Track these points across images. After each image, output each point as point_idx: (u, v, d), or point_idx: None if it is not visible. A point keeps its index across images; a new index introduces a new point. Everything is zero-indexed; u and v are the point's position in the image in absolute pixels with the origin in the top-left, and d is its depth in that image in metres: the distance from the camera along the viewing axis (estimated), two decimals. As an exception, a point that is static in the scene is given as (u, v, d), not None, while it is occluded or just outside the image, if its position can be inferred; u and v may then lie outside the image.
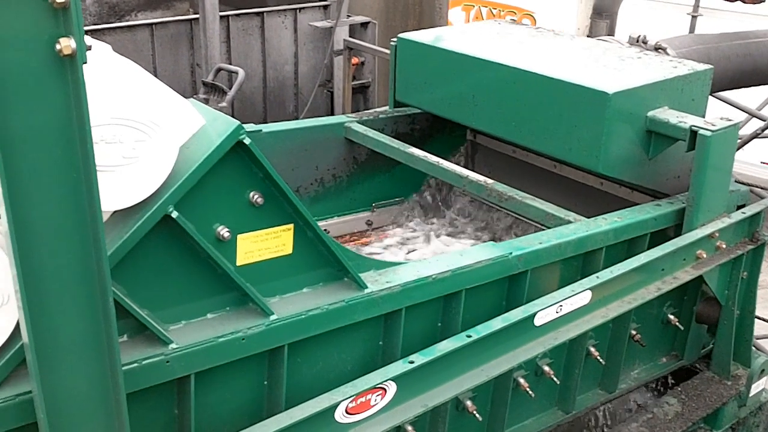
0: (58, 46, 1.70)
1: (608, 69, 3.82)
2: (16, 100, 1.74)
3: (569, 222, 3.48)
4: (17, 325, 2.09)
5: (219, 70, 7.20)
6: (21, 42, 1.69)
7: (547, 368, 3.41)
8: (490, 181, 3.89)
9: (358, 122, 4.65)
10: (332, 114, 8.27)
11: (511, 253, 3.11)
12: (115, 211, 2.24)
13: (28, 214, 1.82)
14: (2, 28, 1.66)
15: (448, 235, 4.71)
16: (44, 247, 1.87)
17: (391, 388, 2.72)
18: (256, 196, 2.47)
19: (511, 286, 3.21)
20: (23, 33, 1.69)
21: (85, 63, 1.78)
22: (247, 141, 2.34)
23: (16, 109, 1.75)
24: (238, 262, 2.52)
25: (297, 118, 8.09)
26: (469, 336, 2.87)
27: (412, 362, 2.75)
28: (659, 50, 4.58)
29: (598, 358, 3.59)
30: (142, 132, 2.13)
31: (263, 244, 2.56)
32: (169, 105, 2.27)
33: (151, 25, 7.50)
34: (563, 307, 3.12)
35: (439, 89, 4.40)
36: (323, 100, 8.47)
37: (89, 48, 1.82)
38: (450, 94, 4.32)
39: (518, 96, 3.89)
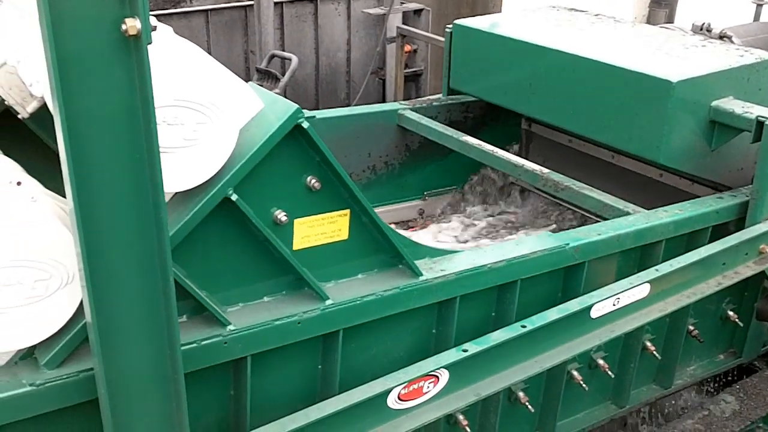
0: (123, 27, 1.71)
1: (672, 57, 3.73)
2: (82, 81, 1.76)
3: (628, 213, 3.41)
4: (80, 304, 2.12)
5: (272, 56, 7.22)
6: (87, 23, 1.71)
7: (601, 361, 3.37)
8: (545, 170, 3.84)
9: (411, 110, 4.63)
10: (384, 102, 8.25)
11: (568, 244, 3.06)
12: (175, 193, 2.26)
13: (93, 193, 1.84)
14: (69, 10, 1.67)
15: (500, 225, 4.68)
16: (108, 227, 1.89)
17: (444, 376, 2.70)
18: (313, 181, 2.46)
19: (567, 277, 3.17)
20: (89, 14, 1.70)
21: (150, 44, 1.79)
22: (305, 125, 2.34)
23: (83, 90, 1.76)
24: (295, 247, 2.53)
25: (349, 106, 8.09)
26: (524, 326, 2.84)
27: (465, 351, 2.73)
28: (724, 38, 4.48)
29: (654, 352, 3.53)
30: (203, 114, 2.13)
31: (319, 229, 2.56)
32: (230, 88, 2.27)
33: (206, 11, 7.55)
34: (620, 300, 3.07)
35: (495, 77, 4.35)
36: (375, 88, 8.45)
37: (154, 29, 1.82)
38: (506, 81, 4.27)
39: (577, 84, 3.83)
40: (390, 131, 4.64)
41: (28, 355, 2.19)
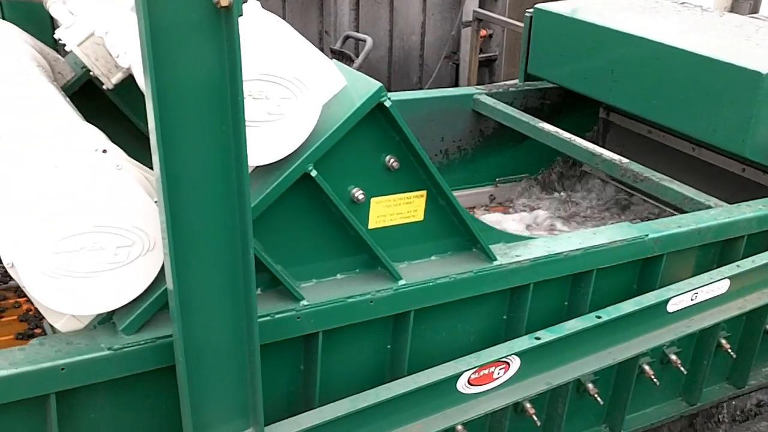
0: (216, -1, 1.72)
1: (762, 48, 3.60)
2: (173, 51, 1.77)
3: (709, 207, 3.32)
4: (160, 271, 2.15)
5: (347, 37, 7.23)
6: (180, -6, 1.72)
7: (674, 357, 3.29)
8: (624, 160, 3.76)
9: (487, 94, 4.58)
10: (456, 87, 8.19)
11: (647, 235, 2.99)
12: (255, 167, 2.27)
13: (179, 163, 1.86)
14: (162, -19, 1.69)
15: (573, 215, 4.60)
16: (192, 197, 1.91)
17: (515, 363, 2.67)
18: (392, 160, 2.45)
19: (644, 269, 3.10)
20: (182, -15, 1.72)
21: (241, 16, 1.80)
22: (388, 103, 2.33)
23: (174, 61, 1.78)
24: (370, 226, 2.52)
25: (421, 90, 8.05)
26: (599, 317, 2.79)
27: (538, 338, 2.69)
28: (816, 30, 4.29)
29: (729, 351, 3.43)
30: (288, 89, 2.14)
31: (395, 209, 2.54)
32: (315, 64, 2.27)
33: (282, -10, 7.60)
34: (698, 295, 2.99)
35: (576, 63, 4.27)
36: (448, 72, 8.39)
37: (245, 1, 1.83)
38: (587, 68, 4.19)
39: (661, 73, 3.73)
40: (464, 116, 4.60)
41: (106, 320, 2.23)
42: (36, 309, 3.30)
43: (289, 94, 2.14)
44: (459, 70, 8.27)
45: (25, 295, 3.47)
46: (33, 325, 3.20)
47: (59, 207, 1.98)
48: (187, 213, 1.92)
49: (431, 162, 2.49)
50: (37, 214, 1.97)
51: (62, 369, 2.08)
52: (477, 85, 6.64)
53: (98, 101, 3.25)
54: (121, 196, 2.05)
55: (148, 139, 3.41)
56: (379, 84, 2.33)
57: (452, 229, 2.67)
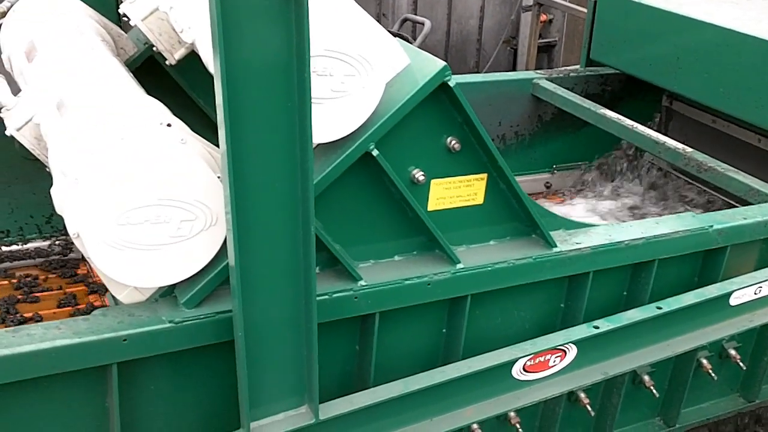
0: (286, -26, 1.71)
1: (837, 37, 3.49)
2: (242, 28, 1.78)
3: (776, 199, 3.23)
4: (222, 246, 2.16)
5: (405, 20, 7.18)
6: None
7: (733, 352, 3.21)
8: (688, 149, 3.67)
9: (547, 79, 4.52)
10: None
11: (711, 226, 2.92)
12: (317, 145, 2.27)
13: (244, 139, 1.87)
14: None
15: (631, 204, 4.52)
16: (256, 173, 1.91)
17: (572, 351, 2.64)
18: (453, 142, 2.43)
19: (706, 261, 3.02)
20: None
21: (310, -7, 1.79)
22: (452, 83, 2.30)
23: (243, 37, 1.78)
24: (429, 208, 2.50)
25: (477, 74, 7.98)
26: (659, 308, 2.73)
27: (596, 327, 2.65)
28: None
29: (792, 348, 3.34)
30: (352, 67, 2.12)
31: (455, 192, 2.52)
32: (379, 41, 2.25)
33: (341, -28, 7.58)
34: (763, 289, 2.92)
35: (640, 49, 4.18)
36: (505, 57, 8.30)
37: (313, -22, 1.82)
38: (651, 54, 4.10)
39: (729, 60, 3.63)
40: (523, 101, 4.55)
41: (167, 293, 2.25)
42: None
43: (354, 71, 2.13)
44: (517, 55, 8.17)
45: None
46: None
47: (124, 179, 2.00)
48: (251, 189, 1.92)
49: (493, 144, 2.46)
50: (102, 185, 1.99)
51: (124, 340, 2.11)
52: (535, 70, 6.56)
53: (159, 78, 3.28)
54: (186, 170, 2.06)
55: (207, 115, 3.48)
56: (443, 63, 2.30)
57: (512, 214, 2.64)
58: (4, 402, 2.08)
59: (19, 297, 3.28)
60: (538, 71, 4.72)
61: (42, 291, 3.37)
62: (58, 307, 3.26)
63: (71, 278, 3.49)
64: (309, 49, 1.83)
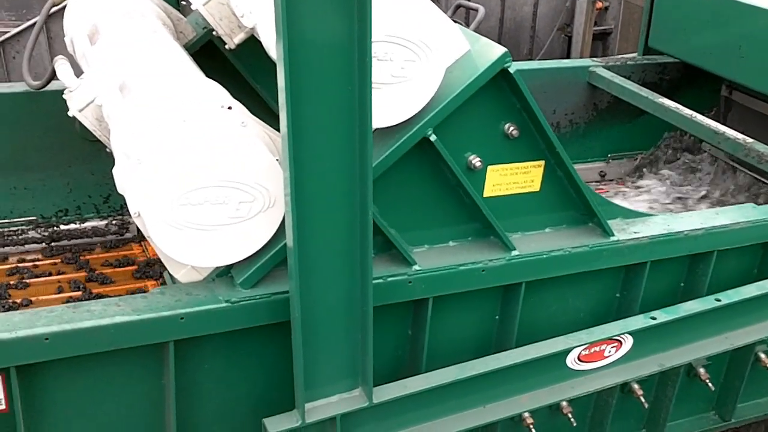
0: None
1: None
2: (305, 12, 1.78)
3: (842, 192, 3.14)
4: (279, 228, 2.18)
5: (458, 6, 7.11)
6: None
7: (793, 346, 3.15)
8: (749, 139, 3.58)
9: (603, 67, 4.44)
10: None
11: (772, 218, 2.86)
12: (375, 129, 2.26)
13: (305, 121, 1.88)
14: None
15: (687, 194, 4.44)
16: (316, 156, 1.92)
17: (628, 342, 2.61)
18: (511, 128, 2.41)
19: (766, 253, 2.96)
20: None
21: (373, -24, 1.78)
22: (512, 70, 2.28)
23: (305, 20, 1.79)
24: (485, 194, 2.49)
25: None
26: (719, 300, 2.68)
27: (653, 318, 2.62)
28: None
29: None
30: (413, 52, 2.11)
31: (512, 178, 2.50)
32: (440, 27, 2.23)
33: (395, -43, 7.54)
34: (826, 283, 2.85)
35: (700, 37, 4.09)
36: (559, 45, 8.19)
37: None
38: (712, 43, 4.01)
39: (795, 49, 3.54)
40: (578, 88, 4.48)
41: (224, 273, 2.28)
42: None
43: (414, 56, 2.12)
44: (571, 43, 8.06)
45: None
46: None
47: (186, 160, 2.03)
48: (310, 171, 1.93)
49: (552, 131, 2.43)
50: (164, 166, 2.02)
51: (181, 318, 2.14)
52: (590, 58, 6.46)
53: (216, 62, 3.31)
54: (246, 152, 2.08)
55: (263, 101, 3.50)
56: (504, 49, 2.28)
57: (569, 202, 2.61)
58: (65, 376, 2.13)
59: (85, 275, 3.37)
60: (595, 59, 4.65)
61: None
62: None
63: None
64: (371, 34, 1.83)
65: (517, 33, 8.11)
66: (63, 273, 3.40)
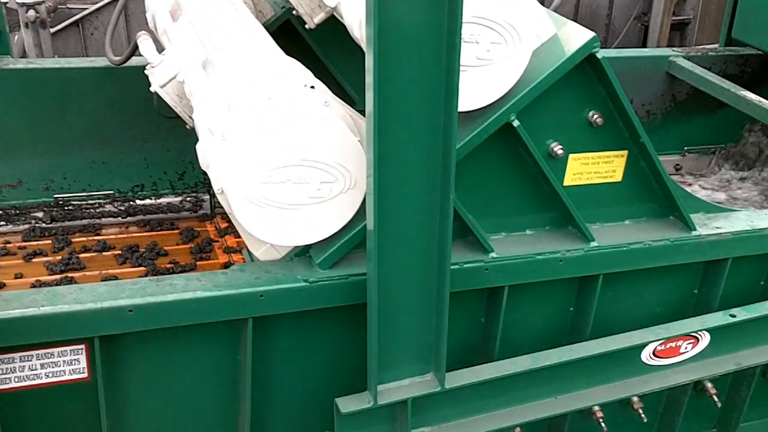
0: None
1: None
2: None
3: None
4: (358, 209, 2.18)
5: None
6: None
7: None
8: (838, 135, 3.46)
9: (684, 57, 4.33)
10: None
11: None
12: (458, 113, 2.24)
13: (390, 102, 1.87)
14: None
15: (762, 193, 4.31)
16: (399, 137, 1.91)
17: (705, 339, 2.55)
18: (595, 116, 2.36)
19: None
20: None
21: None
22: (599, 55, 2.23)
23: (395, 1, 1.77)
24: (565, 183, 2.45)
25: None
26: (802, 300, 2.60)
27: (733, 316, 2.55)
28: None
29: None
30: (499, 34, 2.08)
31: (593, 167, 2.46)
32: (526, 9, 2.19)
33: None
34: None
35: (789, 29, 3.95)
36: (635, 34, 8.01)
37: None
38: (801, 35, 3.88)
39: None
40: (656, 79, 4.38)
41: (302, 253, 2.29)
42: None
43: (500, 39, 2.09)
44: (648, 32, 7.86)
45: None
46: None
47: (271, 139, 2.03)
48: (393, 153, 1.92)
49: (639, 121, 2.37)
50: (249, 144, 2.03)
51: (261, 296, 2.16)
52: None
53: (292, 42, 3.32)
54: (328, 132, 2.08)
55: (338, 82, 3.50)
56: (591, 34, 2.23)
57: (651, 194, 2.56)
58: (146, 348, 2.17)
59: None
60: (675, 49, 4.54)
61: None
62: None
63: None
64: (461, 15, 1.81)
65: (593, 20, 7.95)
66: (136, 246, 3.47)
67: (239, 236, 3.45)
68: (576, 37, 2.26)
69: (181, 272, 3.26)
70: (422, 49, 1.84)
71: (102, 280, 3.13)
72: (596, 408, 2.60)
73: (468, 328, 2.56)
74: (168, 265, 3.32)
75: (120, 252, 3.42)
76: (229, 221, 3.66)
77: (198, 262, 3.39)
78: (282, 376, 2.37)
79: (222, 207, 3.72)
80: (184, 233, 3.59)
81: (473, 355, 2.59)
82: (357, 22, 2.18)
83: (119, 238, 3.56)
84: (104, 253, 3.42)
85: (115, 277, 3.21)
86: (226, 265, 3.32)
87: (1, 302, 2.02)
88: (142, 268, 3.30)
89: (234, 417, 2.37)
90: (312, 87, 2.22)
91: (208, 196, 3.79)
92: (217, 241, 3.57)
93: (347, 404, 2.21)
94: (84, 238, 3.52)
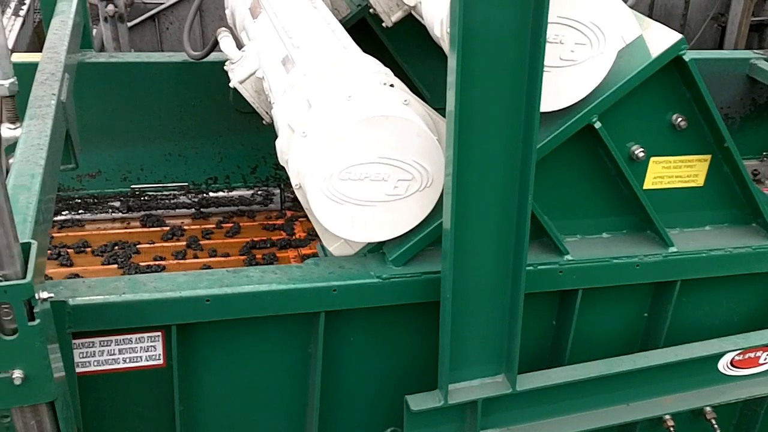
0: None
1: None
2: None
3: None
4: (434, 208, 2.17)
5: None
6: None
7: None
8: None
9: (766, 60, 4.21)
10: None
11: None
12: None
13: (472, 101, 1.86)
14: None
15: None
16: (480, 136, 1.90)
17: (786, 351, 2.48)
18: (679, 119, 2.31)
19: None
20: None
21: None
22: (687, 57, 2.18)
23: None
24: (645, 186, 2.40)
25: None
26: None
27: (816, 328, 2.47)
28: None
29: None
30: (584, 35, 2.05)
31: (675, 171, 2.41)
32: (612, 9, 2.15)
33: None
34: None
35: None
36: (711, 35, 7.81)
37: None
38: None
39: None
40: (737, 81, 4.26)
41: (376, 249, 2.30)
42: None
43: (585, 39, 2.06)
44: (725, 33, 7.66)
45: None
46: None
47: (350, 136, 2.04)
48: (473, 152, 1.92)
49: (724, 125, 2.32)
50: (329, 140, 2.05)
51: (334, 290, 2.17)
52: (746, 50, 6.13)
53: (365, 41, 3.33)
54: (407, 130, 2.08)
55: (411, 82, 3.51)
56: (679, 35, 2.19)
57: (733, 200, 2.49)
58: (220, 337, 2.21)
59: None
60: (757, 51, 4.41)
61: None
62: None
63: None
64: (547, 15, 1.79)
65: (667, 21, 7.77)
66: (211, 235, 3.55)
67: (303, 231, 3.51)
68: (662, 38, 2.21)
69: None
70: (506, 49, 1.83)
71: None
72: (668, 416, 2.54)
73: (538, 331, 2.53)
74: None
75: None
76: (299, 216, 3.71)
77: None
78: (351, 371, 2.38)
79: (290, 201, 3.81)
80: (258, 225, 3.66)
81: (542, 358, 2.57)
82: (438, 21, 2.17)
83: (193, 228, 3.63)
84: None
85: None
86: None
87: (85, 288, 2.07)
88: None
89: (302, 409, 2.39)
90: (391, 85, 2.23)
91: (278, 190, 3.84)
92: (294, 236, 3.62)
93: (418, 402, 2.21)
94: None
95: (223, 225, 3.66)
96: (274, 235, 3.59)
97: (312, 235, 3.56)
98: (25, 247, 1.69)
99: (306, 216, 3.28)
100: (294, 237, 3.59)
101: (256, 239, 3.53)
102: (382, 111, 2.06)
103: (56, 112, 2.58)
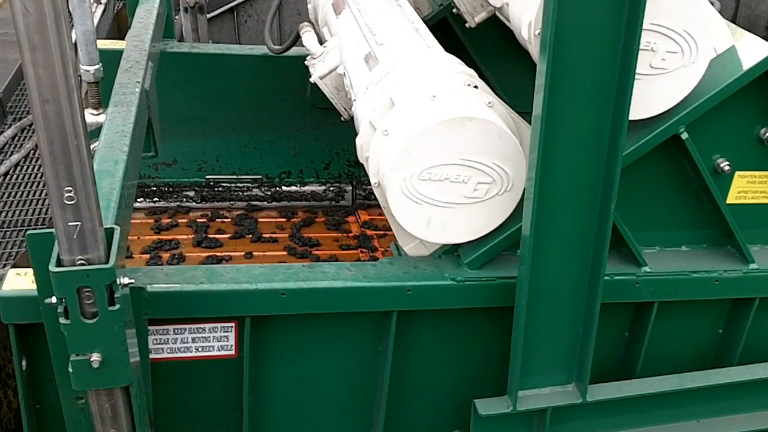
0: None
1: None
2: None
3: None
4: (512, 212, 2.16)
5: None
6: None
7: None
8: None
9: None
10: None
11: None
12: (625, 121, 2.19)
13: (559, 106, 1.84)
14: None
15: None
16: (565, 141, 1.89)
17: None
18: (767, 134, 2.25)
19: None
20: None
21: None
22: (779, 71, 2.13)
23: (574, 3, 1.75)
24: (728, 200, 2.35)
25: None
26: None
27: None
28: None
29: None
30: (676, 43, 2.01)
31: (760, 186, 2.35)
32: (705, 18, 2.11)
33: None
34: None
35: None
36: (795, 48, 7.59)
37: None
38: None
39: None
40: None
41: (450, 251, 2.29)
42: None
43: (677, 48, 2.02)
44: (809, 46, 7.43)
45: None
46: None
47: (433, 137, 2.04)
48: (558, 157, 1.90)
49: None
50: (411, 140, 2.05)
51: (408, 290, 2.17)
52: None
53: (445, 40, 3.32)
54: (490, 133, 2.07)
55: (490, 84, 3.49)
56: (774, 48, 2.13)
57: (820, 218, 2.42)
58: (292, 331, 2.23)
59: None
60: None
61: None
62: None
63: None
64: (641, 23, 1.76)
65: (750, 30, 7.57)
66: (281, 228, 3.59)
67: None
68: (755, 50, 2.16)
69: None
70: (597, 54, 1.81)
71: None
72: (738, 435, 2.49)
73: (610, 342, 2.49)
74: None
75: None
76: (372, 214, 3.73)
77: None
78: (419, 371, 2.38)
79: (360, 199, 3.83)
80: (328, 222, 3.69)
81: (612, 369, 2.53)
82: (526, 24, 2.16)
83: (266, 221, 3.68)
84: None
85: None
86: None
87: (163, 276, 2.11)
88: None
89: (368, 407, 2.40)
90: (475, 87, 2.22)
91: (350, 187, 3.87)
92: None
93: (486, 407, 2.21)
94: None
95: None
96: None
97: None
98: (108, 233, 1.72)
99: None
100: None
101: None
102: (465, 112, 2.06)
103: (140, 100, 2.63)
